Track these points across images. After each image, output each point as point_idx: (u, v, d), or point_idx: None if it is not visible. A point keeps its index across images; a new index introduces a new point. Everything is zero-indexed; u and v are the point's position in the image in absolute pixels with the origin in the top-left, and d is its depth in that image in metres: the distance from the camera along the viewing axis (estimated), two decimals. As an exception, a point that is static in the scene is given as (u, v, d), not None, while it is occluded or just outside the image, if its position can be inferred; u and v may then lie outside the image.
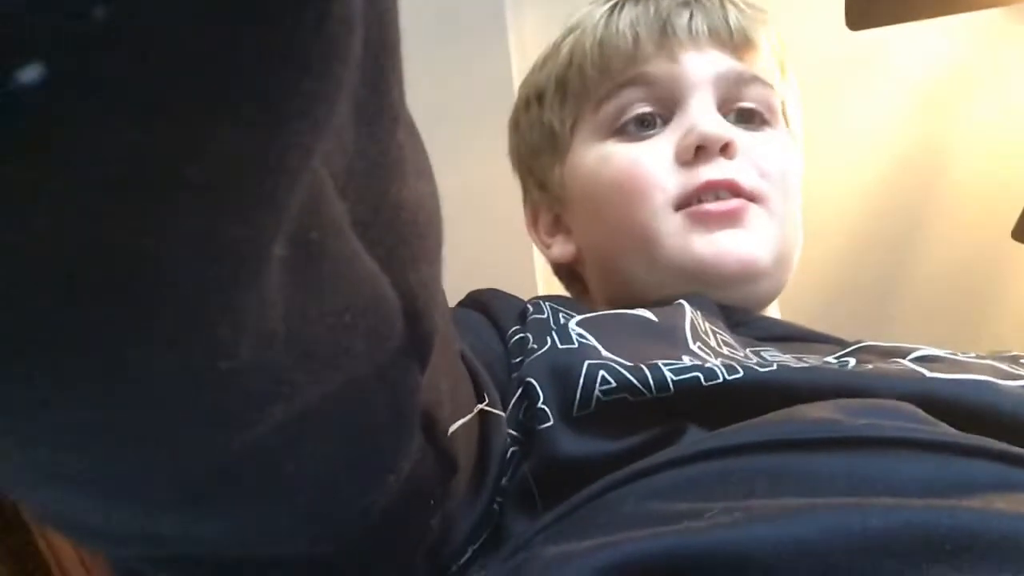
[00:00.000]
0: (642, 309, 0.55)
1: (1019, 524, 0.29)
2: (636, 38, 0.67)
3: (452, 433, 0.36)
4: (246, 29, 0.17)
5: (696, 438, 0.42)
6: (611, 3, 0.70)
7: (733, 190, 0.62)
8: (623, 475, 0.39)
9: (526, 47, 1.51)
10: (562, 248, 0.71)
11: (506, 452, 0.45)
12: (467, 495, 0.41)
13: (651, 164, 0.64)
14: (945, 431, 0.39)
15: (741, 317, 0.61)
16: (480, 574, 0.40)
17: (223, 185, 0.19)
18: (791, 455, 0.37)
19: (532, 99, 0.74)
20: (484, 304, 0.57)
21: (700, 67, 0.66)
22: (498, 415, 0.44)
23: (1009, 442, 0.42)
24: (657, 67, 0.66)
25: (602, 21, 0.69)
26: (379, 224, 0.26)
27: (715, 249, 0.61)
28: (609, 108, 0.67)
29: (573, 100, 0.69)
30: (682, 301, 0.56)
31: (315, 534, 0.31)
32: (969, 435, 0.38)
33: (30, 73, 0.15)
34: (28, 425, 0.22)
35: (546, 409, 0.45)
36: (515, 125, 0.77)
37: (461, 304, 0.59)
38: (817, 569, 0.28)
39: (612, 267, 0.67)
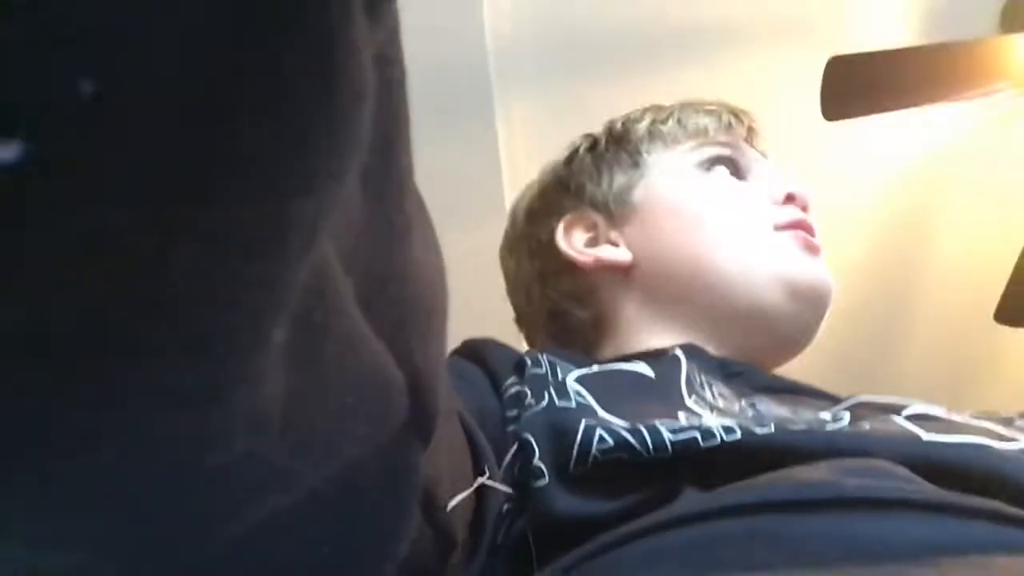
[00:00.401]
0: (639, 363, 0.56)
1: None
2: (720, 120, 0.77)
3: (451, 509, 0.35)
4: (246, 101, 0.16)
5: (692, 498, 0.42)
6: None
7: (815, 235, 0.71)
8: (619, 535, 0.39)
9: (514, 137, 1.54)
10: (614, 253, 0.74)
11: (500, 511, 0.45)
12: (462, 561, 0.40)
13: (752, 196, 0.72)
14: (941, 492, 0.39)
15: (736, 367, 0.62)
16: None
17: (216, 268, 0.17)
18: (788, 517, 0.36)
19: (608, 138, 0.81)
20: (480, 354, 0.57)
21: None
22: (493, 484, 0.43)
23: (1005, 500, 0.42)
24: (734, 136, 0.76)
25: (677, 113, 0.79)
26: (385, 299, 0.25)
27: (817, 271, 0.68)
28: (704, 151, 0.75)
29: (666, 139, 0.77)
30: (678, 353, 0.57)
31: None
32: (965, 496, 0.38)
33: (7, 152, 0.14)
34: (6, 527, 0.20)
35: (542, 466, 0.45)
36: (570, 157, 0.81)
37: (456, 352, 0.59)
38: None
39: (697, 273, 0.70)
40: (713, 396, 0.53)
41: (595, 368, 0.55)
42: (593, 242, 0.75)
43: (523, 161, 1.48)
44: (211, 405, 0.19)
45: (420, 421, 0.28)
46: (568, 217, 0.76)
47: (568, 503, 0.44)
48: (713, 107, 0.77)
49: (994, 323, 1.62)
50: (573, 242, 0.75)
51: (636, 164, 0.76)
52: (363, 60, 0.18)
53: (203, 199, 0.16)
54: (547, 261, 0.77)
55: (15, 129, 0.14)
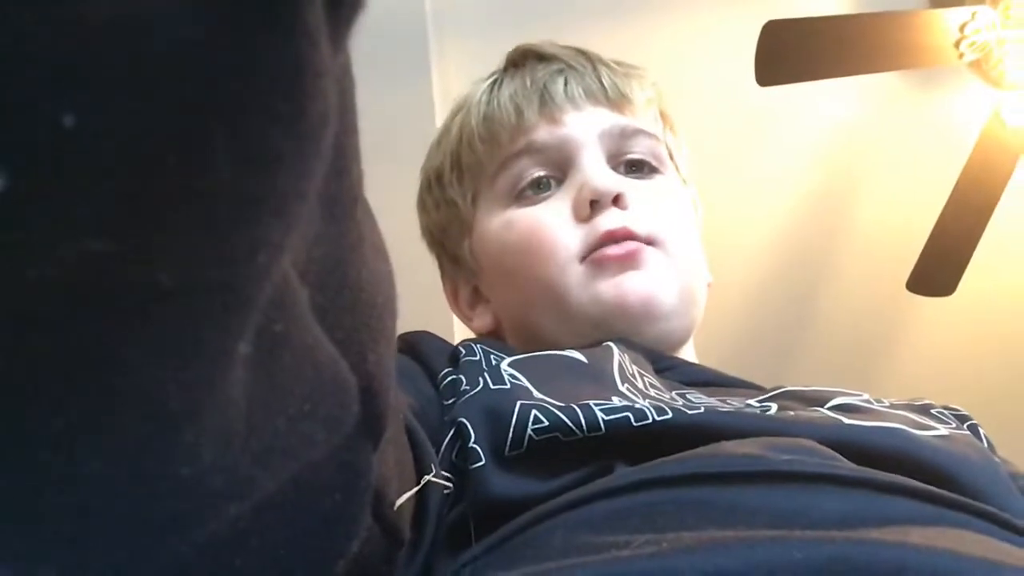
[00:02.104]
0: (572, 350, 0.57)
1: (933, 559, 0.30)
2: (518, 109, 0.70)
3: (399, 507, 0.35)
4: (220, 129, 0.17)
5: (622, 472, 0.43)
6: (491, 79, 0.75)
7: (629, 237, 0.65)
8: (552, 506, 0.39)
9: (448, 81, 1.52)
10: (482, 319, 0.73)
11: (441, 503, 0.45)
12: (407, 555, 0.40)
13: (551, 223, 0.67)
14: (863, 469, 0.41)
15: (667, 363, 0.62)
16: None
17: (192, 290, 0.18)
18: (717, 488, 0.37)
19: (432, 179, 0.77)
20: (415, 347, 0.58)
21: (583, 126, 0.69)
22: (438, 481, 0.43)
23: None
24: (542, 133, 0.70)
25: (484, 97, 0.73)
26: (340, 307, 0.26)
27: (617, 291, 0.64)
28: (505, 179, 0.70)
29: (469, 175, 0.73)
30: (610, 344, 0.58)
31: None
32: (886, 473, 0.40)
33: None
34: None
35: (478, 448, 0.46)
36: (422, 206, 0.79)
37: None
38: None
39: (527, 326, 0.69)
40: (645, 386, 0.54)
41: (528, 354, 0.55)
42: (469, 304, 0.75)
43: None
44: (184, 419, 0.20)
45: (371, 423, 0.29)
46: (449, 279, 0.77)
47: (504, 484, 0.44)
48: (503, 98, 0.72)
49: (907, 292, 1.68)
50: (460, 304, 0.75)
51: (457, 215, 0.73)
52: (328, 84, 0.19)
53: (178, 223, 0.17)
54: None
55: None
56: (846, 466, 0.40)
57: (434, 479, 0.42)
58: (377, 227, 0.30)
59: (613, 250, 0.64)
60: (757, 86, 1.31)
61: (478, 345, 0.56)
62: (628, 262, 0.64)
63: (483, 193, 0.72)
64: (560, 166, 0.69)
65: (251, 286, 0.20)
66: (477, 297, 0.74)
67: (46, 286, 0.17)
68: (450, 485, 0.45)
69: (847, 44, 1.29)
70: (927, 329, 1.97)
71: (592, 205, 0.66)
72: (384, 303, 0.29)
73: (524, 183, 0.69)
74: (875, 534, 0.33)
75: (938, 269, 1.63)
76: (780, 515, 0.34)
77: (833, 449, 0.43)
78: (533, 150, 0.69)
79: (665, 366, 0.61)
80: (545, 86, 0.71)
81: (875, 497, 0.37)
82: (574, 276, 0.65)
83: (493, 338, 0.71)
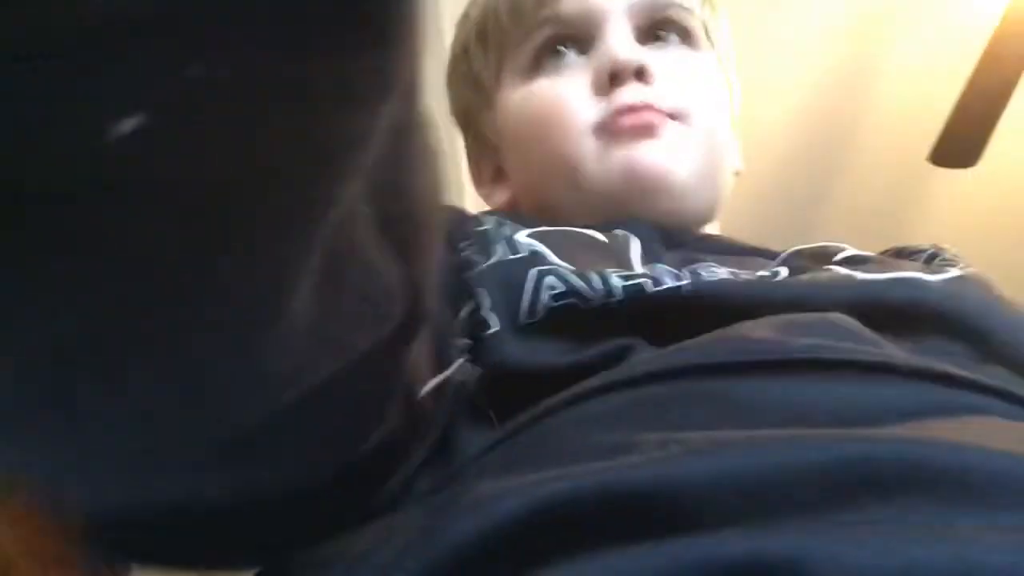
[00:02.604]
0: (591, 230, 0.55)
1: (962, 456, 0.28)
2: None
3: (427, 394, 0.36)
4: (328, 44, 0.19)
5: (638, 359, 0.42)
6: None
7: (649, 109, 0.62)
8: (562, 399, 0.38)
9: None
10: (501, 194, 0.71)
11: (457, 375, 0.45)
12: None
13: (569, 94, 0.64)
14: (889, 352, 0.39)
15: (679, 238, 0.60)
16: (427, 484, 0.39)
17: (274, 217, 0.22)
18: (731, 380, 0.36)
19: (459, 54, 0.74)
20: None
21: None
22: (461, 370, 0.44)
23: (942, 335, 0.44)
24: (569, 4, 0.66)
25: None
26: (397, 216, 0.28)
27: (628, 161, 0.61)
28: (527, 50, 0.67)
29: (494, 47, 0.70)
30: (627, 232, 0.56)
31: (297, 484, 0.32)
32: (913, 357, 0.39)
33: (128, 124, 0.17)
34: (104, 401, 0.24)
35: (492, 315, 0.45)
36: (449, 83, 0.76)
37: None
38: (752, 505, 0.27)
39: (543, 201, 0.67)
40: (660, 263, 0.53)
41: (547, 228, 0.54)
42: (491, 182, 0.73)
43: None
44: (271, 313, 0.24)
45: (410, 327, 0.31)
46: (473, 158, 0.75)
47: (519, 351, 0.44)
48: None
49: (928, 166, 1.68)
50: (482, 183, 0.74)
51: (481, 90, 0.71)
52: (409, 21, 0.21)
53: (285, 146, 0.20)
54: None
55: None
56: (868, 350, 0.39)
57: (461, 364, 0.42)
58: (428, 142, 0.30)
59: (628, 119, 0.61)
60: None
61: (494, 216, 0.56)
62: (643, 132, 0.61)
63: (506, 66, 0.69)
64: (585, 38, 0.66)
65: (326, 211, 0.23)
66: (498, 175, 0.72)
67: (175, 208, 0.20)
68: (469, 373, 0.44)
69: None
70: (948, 202, 1.97)
71: (613, 79, 0.63)
72: (434, 213, 0.31)
73: (546, 54, 0.66)
74: (898, 430, 0.32)
75: (962, 140, 1.62)
76: (798, 409, 0.33)
77: (853, 309, 0.42)
78: (558, 21, 0.66)
79: (677, 242, 0.59)
80: None
81: (901, 384, 0.36)
82: (588, 147, 0.62)
83: (512, 208, 0.69)
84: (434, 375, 0.38)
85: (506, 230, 0.53)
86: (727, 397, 0.35)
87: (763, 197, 1.86)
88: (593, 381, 0.39)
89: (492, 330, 0.45)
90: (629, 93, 0.62)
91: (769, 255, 0.59)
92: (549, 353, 0.44)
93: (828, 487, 0.27)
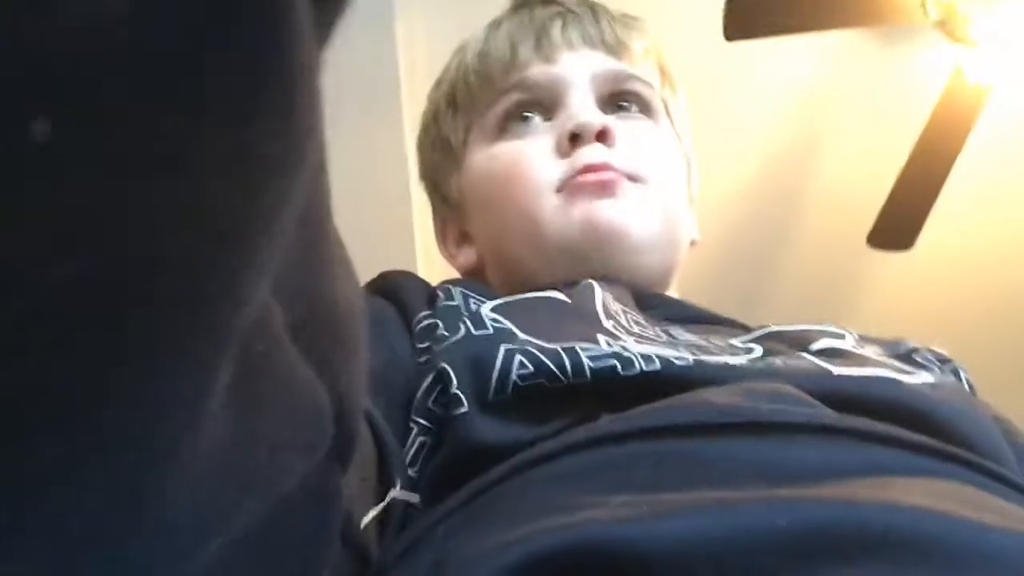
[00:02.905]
0: (553, 291, 0.56)
1: (921, 522, 0.29)
2: (513, 47, 0.70)
3: (364, 526, 0.35)
4: (205, 133, 0.16)
5: (605, 421, 0.42)
6: (492, 22, 0.74)
7: (609, 170, 0.64)
8: (527, 457, 0.39)
9: (414, 40, 1.50)
10: (466, 256, 0.73)
11: (412, 453, 0.44)
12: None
13: (532, 154, 0.66)
14: (847, 417, 0.40)
15: (651, 300, 0.62)
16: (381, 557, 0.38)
17: (176, 308, 0.18)
18: (698, 440, 0.37)
19: (430, 118, 0.77)
20: (392, 290, 0.57)
21: (577, 67, 0.69)
22: (403, 498, 0.42)
23: (917, 433, 0.43)
24: (535, 71, 0.69)
25: (483, 36, 0.73)
26: (314, 324, 0.25)
27: (587, 215, 0.63)
28: (494, 113, 0.70)
29: (463, 111, 0.73)
30: (590, 281, 0.57)
31: None
32: (873, 422, 0.40)
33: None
34: None
35: (460, 395, 0.45)
36: (420, 147, 0.79)
37: (370, 286, 0.58)
38: (722, 567, 0.27)
39: (506, 260, 0.68)
40: (628, 323, 0.53)
41: (509, 298, 0.55)
42: (457, 243, 0.75)
43: (422, 55, 1.45)
44: (168, 451, 0.19)
45: (343, 446, 0.28)
46: (439, 220, 0.77)
47: (489, 430, 0.43)
48: (500, 36, 0.72)
49: (867, 248, 1.71)
50: (448, 244, 0.76)
51: (449, 153, 0.73)
52: (316, 78, 0.18)
53: (164, 243, 0.17)
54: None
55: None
56: (828, 414, 0.40)
57: (399, 495, 0.41)
58: (347, 256, 0.29)
59: (589, 177, 0.63)
60: (721, 42, 1.31)
61: (457, 288, 0.56)
62: (603, 190, 0.63)
63: (474, 129, 0.72)
64: (550, 105, 0.69)
65: (236, 308, 0.19)
66: (463, 238, 0.74)
67: (29, 314, 0.16)
68: (416, 499, 0.43)
69: (816, 0, 1.30)
70: (887, 285, 2.01)
71: (575, 140, 0.65)
72: (355, 324, 0.29)
73: (512, 118, 0.69)
74: (860, 489, 0.32)
75: (898, 224, 1.65)
76: (762, 469, 0.34)
77: (824, 400, 0.42)
78: (524, 86, 0.69)
79: (649, 303, 0.60)
80: (543, 26, 0.70)
81: (859, 446, 0.36)
82: (550, 204, 0.64)
83: (474, 277, 0.70)
84: (374, 500, 0.37)
85: (471, 304, 0.53)
86: (694, 457, 0.36)
87: (706, 275, 1.87)
88: (557, 441, 0.39)
89: (461, 411, 0.44)
90: (590, 153, 0.64)
91: (736, 325, 0.60)
92: (518, 429, 0.44)
93: (796, 552, 0.27)
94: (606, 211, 0.63)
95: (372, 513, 0.36)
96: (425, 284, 0.60)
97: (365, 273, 0.42)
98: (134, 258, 0.16)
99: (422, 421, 0.46)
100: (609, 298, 0.55)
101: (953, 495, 0.33)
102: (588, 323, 0.51)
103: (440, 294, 0.55)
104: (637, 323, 0.54)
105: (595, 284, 0.56)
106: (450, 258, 0.75)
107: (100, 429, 0.18)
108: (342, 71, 1.40)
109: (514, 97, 0.69)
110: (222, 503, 0.23)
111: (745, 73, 1.70)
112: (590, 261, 0.62)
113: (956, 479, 0.35)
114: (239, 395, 0.21)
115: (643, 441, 0.37)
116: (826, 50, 1.68)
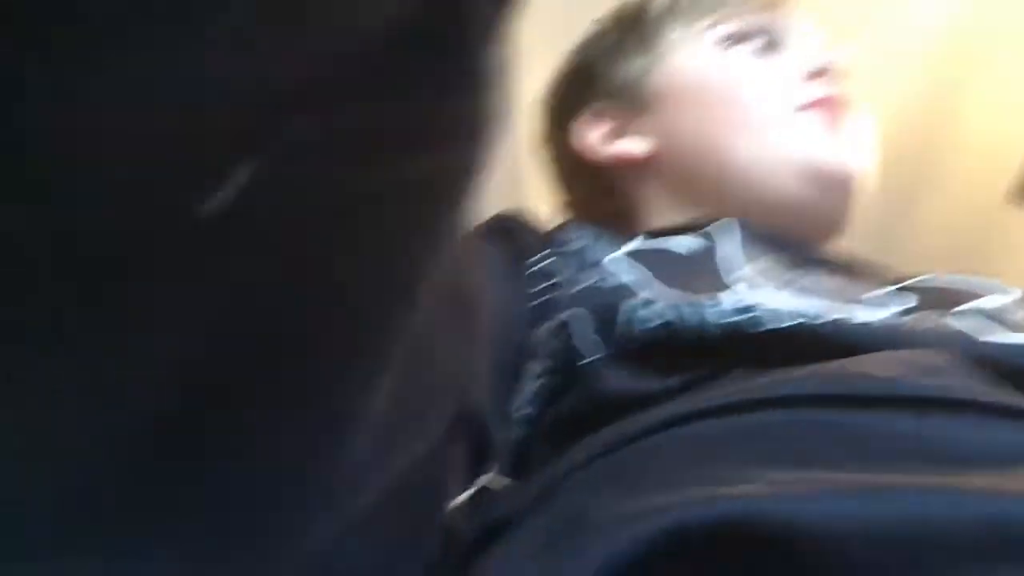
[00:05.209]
0: (686, 236, 0.56)
1: None
2: None
3: (453, 508, 0.35)
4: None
5: (741, 384, 0.40)
6: None
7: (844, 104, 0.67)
8: (662, 417, 0.37)
9: None
10: (635, 145, 0.71)
11: (531, 393, 0.45)
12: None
13: (778, 74, 0.68)
14: (1011, 396, 0.37)
15: (788, 242, 0.61)
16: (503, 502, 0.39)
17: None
18: (853, 413, 0.35)
19: (625, 16, 0.76)
20: (508, 230, 0.57)
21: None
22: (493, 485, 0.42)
23: None
24: (762, 7, 0.71)
25: None
26: (453, 323, 0.28)
27: (839, 155, 0.65)
28: (728, 27, 0.70)
29: (683, 14, 0.72)
30: (730, 222, 0.57)
31: None
32: None
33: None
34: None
35: (588, 343, 0.45)
36: (584, 45, 0.78)
37: (487, 226, 0.59)
38: (881, 555, 0.26)
39: (716, 162, 0.67)
40: (763, 268, 0.52)
41: (638, 244, 0.54)
42: (612, 135, 0.73)
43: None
44: (347, 423, 0.23)
45: (455, 432, 0.31)
46: (584, 114, 0.75)
47: (618, 379, 0.43)
48: None
49: (1006, 203, 1.62)
50: (589, 139, 0.74)
51: (652, 47, 0.73)
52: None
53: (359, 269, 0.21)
54: (566, 160, 0.76)
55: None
56: (991, 391, 0.37)
57: (487, 482, 0.40)
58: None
59: (825, 104, 0.66)
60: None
61: (583, 232, 0.56)
62: (848, 131, 0.66)
63: (691, 35, 0.72)
64: (782, 35, 0.71)
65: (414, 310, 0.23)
66: (622, 132, 0.73)
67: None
68: (507, 482, 0.42)
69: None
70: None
71: (816, 74, 0.67)
72: (481, 306, 0.32)
73: (748, 38, 0.70)
74: None
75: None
76: (926, 448, 0.32)
77: (979, 367, 0.40)
78: (755, 17, 0.71)
79: (786, 245, 0.59)
80: None
81: (1018, 427, 0.34)
82: (791, 121, 0.66)
83: (627, 169, 0.71)
84: (466, 482, 0.37)
85: (600, 249, 0.52)
86: (849, 431, 0.34)
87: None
88: (691, 404, 0.38)
89: (587, 360, 0.45)
90: (830, 89, 0.67)
91: (884, 273, 0.59)
92: (645, 380, 0.43)
93: (976, 550, 0.26)
94: (848, 157, 0.66)
95: (461, 498, 0.36)
96: (540, 225, 0.60)
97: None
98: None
99: (543, 364, 0.45)
100: (747, 240, 0.54)
101: None
102: (716, 276, 0.50)
103: (565, 235, 0.55)
104: (772, 268, 0.52)
105: (735, 225, 0.55)
106: (591, 150, 0.74)
107: (312, 394, 0.22)
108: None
109: (749, 24, 0.71)
110: (366, 474, 0.25)
111: (893, 14, 1.63)
112: (807, 193, 0.64)
113: None
114: (403, 371, 0.24)
115: (798, 409, 0.35)
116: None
